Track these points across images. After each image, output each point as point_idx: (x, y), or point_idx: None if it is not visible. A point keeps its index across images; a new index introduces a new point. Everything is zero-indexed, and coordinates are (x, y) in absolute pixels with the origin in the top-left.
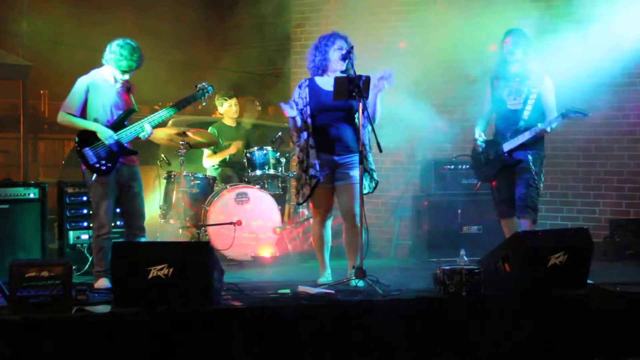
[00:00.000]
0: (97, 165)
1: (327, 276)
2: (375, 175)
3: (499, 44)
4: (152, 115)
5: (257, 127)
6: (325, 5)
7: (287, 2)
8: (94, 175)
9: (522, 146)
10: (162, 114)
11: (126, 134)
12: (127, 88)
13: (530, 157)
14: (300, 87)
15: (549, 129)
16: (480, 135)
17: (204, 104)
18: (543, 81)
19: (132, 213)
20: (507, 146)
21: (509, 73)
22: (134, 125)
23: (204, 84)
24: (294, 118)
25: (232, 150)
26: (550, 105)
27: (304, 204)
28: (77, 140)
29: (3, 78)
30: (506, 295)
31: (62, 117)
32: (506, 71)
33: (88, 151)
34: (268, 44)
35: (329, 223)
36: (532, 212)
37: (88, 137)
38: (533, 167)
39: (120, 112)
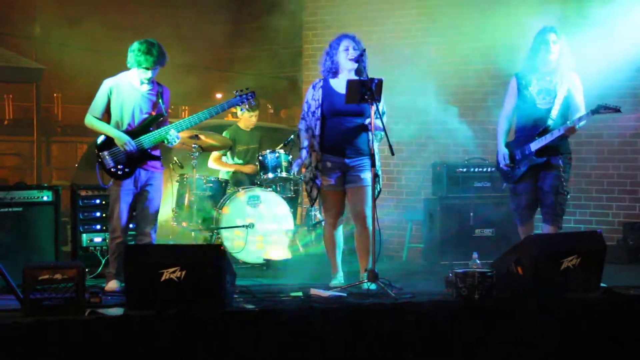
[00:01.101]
0: (114, 170)
1: (339, 279)
2: (380, 181)
3: (534, 39)
4: (181, 121)
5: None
6: (337, 8)
7: (299, 5)
8: (111, 181)
9: (554, 151)
10: (192, 119)
11: (149, 140)
12: (159, 93)
13: (561, 163)
14: (314, 87)
15: (577, 127)
16: (505, 159)
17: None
18: (571, 79)
19: (141, 218)
20: (534, 145)
21: (539, 71)
22: (158, 130)
23: (247, 88)
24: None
25: (247, 170)
26: (579, 104)
27: (316, 207)
28: (98, 142)
29: (16, 81)
30: (519, 298)
31: (87, 120)
32: (536, 68)
33: (106, 155)
34: (280, 47)
35: (341, 226)
36: (560, 220)
37: (110, 141)
38: (564, 175)
39: (146, 116)
